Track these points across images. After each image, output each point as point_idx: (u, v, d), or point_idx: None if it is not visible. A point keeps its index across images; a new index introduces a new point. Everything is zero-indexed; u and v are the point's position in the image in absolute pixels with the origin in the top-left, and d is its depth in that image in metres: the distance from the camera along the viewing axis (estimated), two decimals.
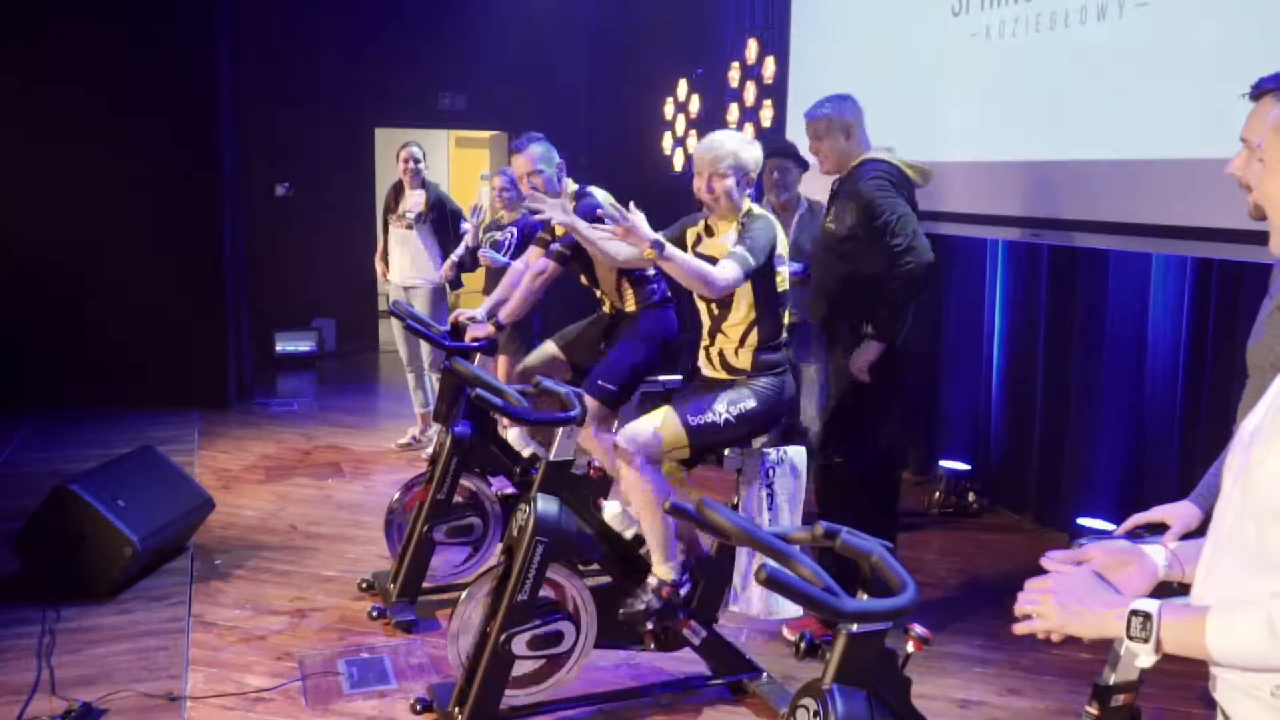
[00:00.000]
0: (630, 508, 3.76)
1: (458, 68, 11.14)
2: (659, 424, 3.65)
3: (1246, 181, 2.11)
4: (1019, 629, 1.76)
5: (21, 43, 7.90)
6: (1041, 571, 1.80)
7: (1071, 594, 1.69)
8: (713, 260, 3.68)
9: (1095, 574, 1.74)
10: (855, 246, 4.23)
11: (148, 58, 8.01)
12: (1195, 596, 1.72)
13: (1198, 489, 2.55)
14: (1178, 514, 2.38)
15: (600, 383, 4.49)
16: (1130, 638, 1.60)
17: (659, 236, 3.57)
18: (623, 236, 3.57)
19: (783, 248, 3.73)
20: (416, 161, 7.13)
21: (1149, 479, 5.19)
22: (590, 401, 4.43)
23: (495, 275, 6.52)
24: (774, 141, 6.02)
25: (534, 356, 4.93)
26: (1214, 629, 1.51)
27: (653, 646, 3.74)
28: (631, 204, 3.62)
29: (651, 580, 3.71)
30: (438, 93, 11.26)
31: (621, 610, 3.69)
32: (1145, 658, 1.62)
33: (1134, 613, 1.60)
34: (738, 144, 3.74)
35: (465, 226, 7.10)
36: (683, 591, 3.72)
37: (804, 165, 5.89)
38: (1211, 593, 1.65)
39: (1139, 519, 2.34)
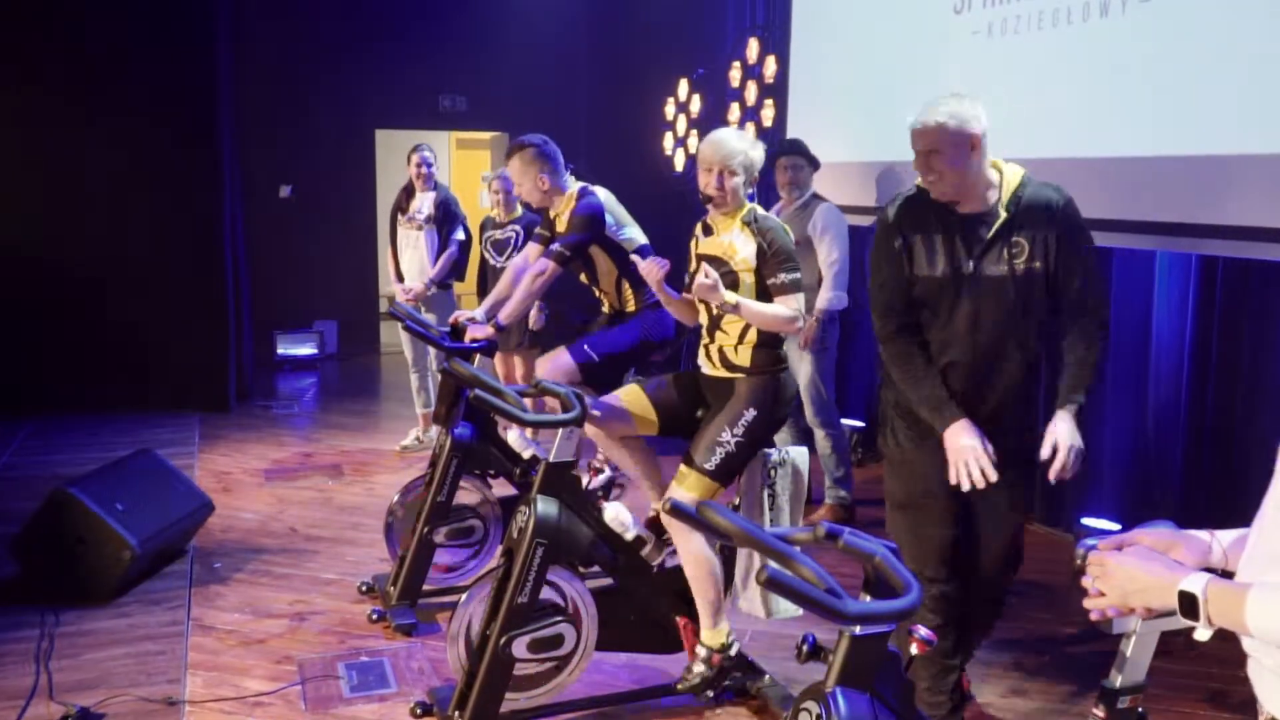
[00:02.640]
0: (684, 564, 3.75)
1: (458, 69, 11.11)
2: (689, 488, 3.62)
3: None
4: (1089, 604, 1.82)
5: (22, 46, 7.87)
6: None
7: (1130, 567, 1.74)
8: (715, 259, 3.67)
9: (1149, 548, 1.79)
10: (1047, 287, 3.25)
11: (148, 60, 7.99)
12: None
13: None
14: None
15: (585, 348, 4.50)
16: (1183, 615, 1.65)
17: (733, 297, 3.58)
18: (702, 297, 3.61)
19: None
20: (429, 165, 7.12)
21: (1154, 479, 5.16)
22: (567, 359, 4.41)
23: (495, 274, 6.51)
24: (786, 140, 6.02)
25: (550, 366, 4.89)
26: (1254, 604, 1.55)
27: (719, 710, 3.81)
28: (705, 267, 3.61)
29: (700, 650, 3.74)
30: (438, 94, 11.24)
31: (680, 686, 3.76)
32: (1202, 632, 1.66)
33: (1181, 593, 1.64)
34: (747, 143, 3.74)
35: (459, 235, 7.08)
36: (733, 650, 3.76)
37: (815, 164, 5.89)
38: (1253, 578, 1.66)
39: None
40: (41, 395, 7.92)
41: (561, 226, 4.68)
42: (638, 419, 3.83)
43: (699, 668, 3.72)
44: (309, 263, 10.72)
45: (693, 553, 3.65)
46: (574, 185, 4.75)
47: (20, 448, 7.22)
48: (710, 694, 3.74)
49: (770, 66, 7.90)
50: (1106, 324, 3.27)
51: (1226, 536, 1.89)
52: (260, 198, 10.25)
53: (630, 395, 3.86)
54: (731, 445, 3.62)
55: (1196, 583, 1.63)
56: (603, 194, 4.64)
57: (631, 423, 3.83)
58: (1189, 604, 1.63)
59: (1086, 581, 1.82)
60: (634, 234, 4.63)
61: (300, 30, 10.52)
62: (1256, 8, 4.20)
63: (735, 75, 8.36)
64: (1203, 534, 1.89)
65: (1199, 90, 4.42)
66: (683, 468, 3.65)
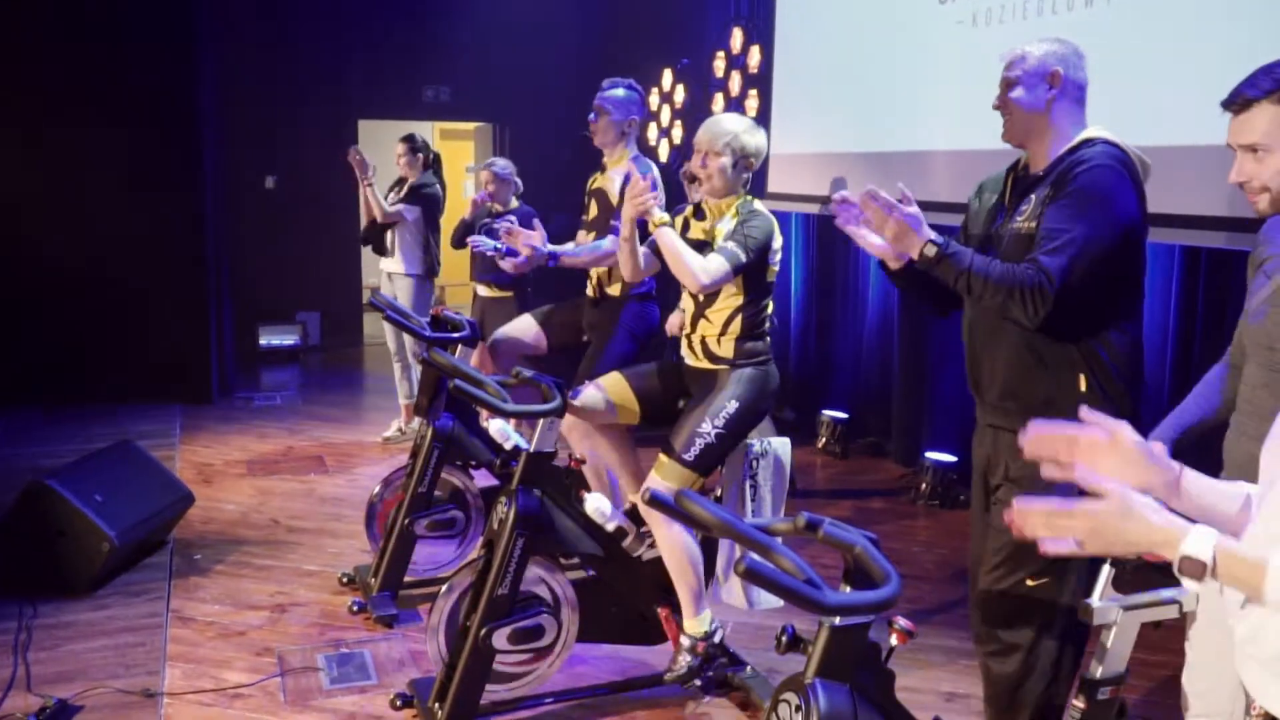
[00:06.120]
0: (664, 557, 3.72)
1: (442, 60, 11.07)
2: (665, 477, 3.58)
3: (1263, 182, 2.17)
4: (1051, 549, 1.65)
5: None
6: None
7: (1118, 517, 1.58)
8: (698, 245, 3.66)
9: (1132, 494, 1.61)
10: None
11: (128, 49, 7.91)
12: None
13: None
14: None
15: (587, 381, 4.45)
16: (1181, 572, 1.54)
17: (661, 216, 3.66)
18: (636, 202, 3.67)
19: (778, 242, 3.68)
20: (406, 154, 7.17)
21: None
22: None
23: (481, 263, 6.48)
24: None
25: (510, 326, 4.90)
26: (1277, 574, 1.48)
27: (703, 697, 3.80)
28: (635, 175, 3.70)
29: (685, 640, 3.72)
30: (422, 85, 11.19)
31: (666, 677, 3.75)
32: (1190, 600, 1.58)
33: (1186, 559, 1.53)
34: (739, 126, 3.71)
35: (397, 206, 7.03)
36: (717, 638, 3.75)
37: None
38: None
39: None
40: (21, 386, 7.85)
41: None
42: (620, 408, 3.81)
43: (684, 658, 3.71)
44: (292, 254, 10.68)
45: (671, 542, 3.62)
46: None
47: (0, 439, 7.17)
48: (698, 682, 3.73)
49: (754, 56, 7.88)
50: (1047, 271, 2.59)
51: (1195, 484, 1.76)
52: (243, 189, 10.19)
53: (613, 384, 3.84)
54: (712, 436, 3.59)
55: (1203, 546, 1.52)
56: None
57: (614, 412, 3.82)
58: (1193, 567, 1.52)
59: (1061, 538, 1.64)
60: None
61: (284, 21, 10.46)
62: None
63: (719, 65, 8.34)
64: (1170, 463, 1.76)
65: (1185, 79, 4.42)
66: (661, 457, 3.63)
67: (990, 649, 2.91)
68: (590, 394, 3.83)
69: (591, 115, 4.69)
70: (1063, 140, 2.81)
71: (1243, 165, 2.24)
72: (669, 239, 3.59)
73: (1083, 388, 2.72)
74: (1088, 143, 2.77)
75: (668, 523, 3.59)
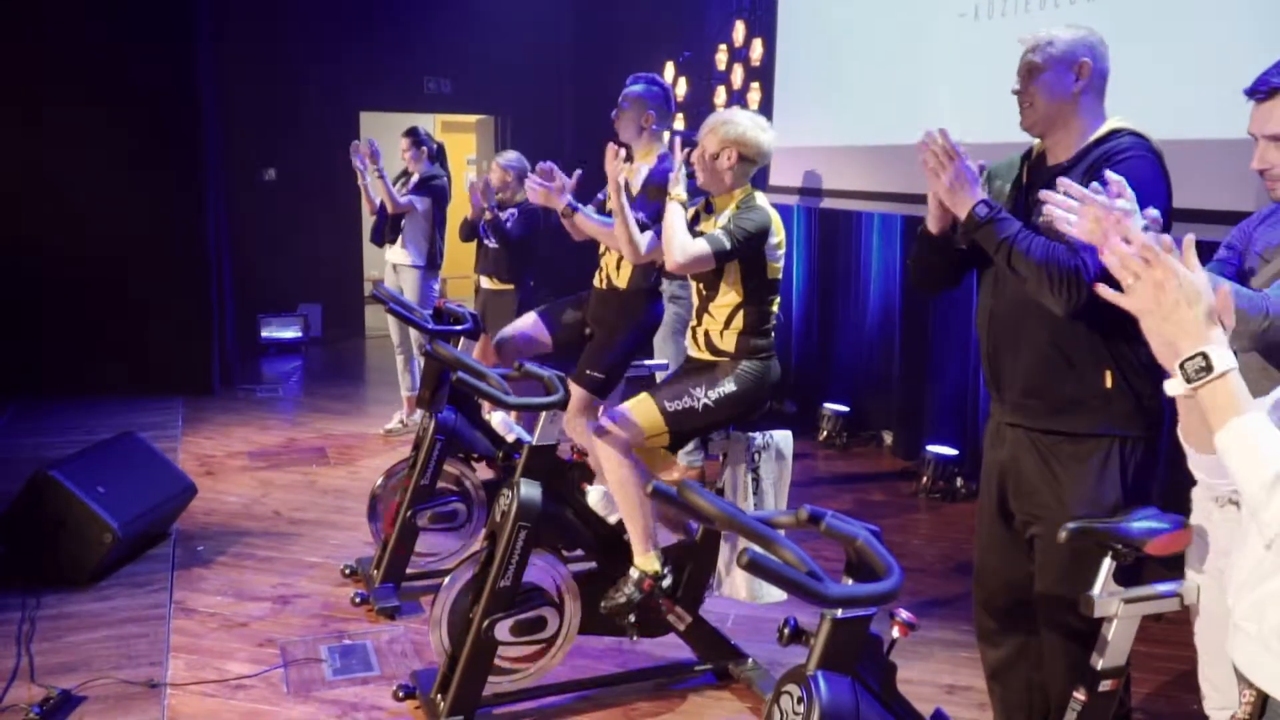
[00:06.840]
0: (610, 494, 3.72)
1: (443, 52, 11.06)
2: (636, 412, 3.61)
3: None
4: (1104, 292, 1.68)
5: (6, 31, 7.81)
6: None
7: (1188, 290, 1.58)
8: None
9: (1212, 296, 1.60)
10: None
11: (130, 45, 7.91)
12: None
13: None
14: None
15: (588, 371, 4.47)
16: (1181, 367, 1.57)
17: (680, 193, 3.69)
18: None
19: (778, 237, 3.68)
20: (410, 148, 7.16)
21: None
22: (577, 390, 4.40)
23: (486, 255, 6.47)
24: None
25: (514, 326, 4.90)
26: (1242, 425, 1.52)
27: (634, 637, 3.74)
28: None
29: (633, 573, 3.70)
30: (423, 77, 11.18)
31: (603, 604, 3.69)
32: (1176, 385, 1.60)
33: (1203, 355, 1.55)
34: (726, 118, 3.71)
35: (409, 197, 7.02)
36: (665, 582, 3.70)
37: None
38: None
39: None
40: (25, 378, 7.87)
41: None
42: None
43: (629, 589, 3.66)
44: (293, 246, 10.68)
45: (620, 481, 3.61)
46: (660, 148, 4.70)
47: (3, 430, 7.18)
48: (632, 619, 3.67)
49: (756, 49, 7.87)
50: (1084, 260, 2.52)
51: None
52: (244, 180, 10.19)
53: (651, 458, 3.83)
54: (699, 405, 3.60)
55: (1224, 360, 1.54)
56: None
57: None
58: (1201, 366, 1.54)
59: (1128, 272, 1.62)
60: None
61: (285, 13, 10.45)
62: None
63: (721, 58, 8.33)
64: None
65: (1190, 73, 4.41)
66: (644, 394, 3.65)
67: (1003, 651, 2.97)
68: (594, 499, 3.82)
69: (614, 111, 4.67)
70: (1087, 131, 2.73)
71: (1265, 153, 2.26)
72: (670, 215, 3.64)
73: (1108, 384, 2.66)
74: (1115, 133, 2.71)
75: (619, 461, 3.59)
